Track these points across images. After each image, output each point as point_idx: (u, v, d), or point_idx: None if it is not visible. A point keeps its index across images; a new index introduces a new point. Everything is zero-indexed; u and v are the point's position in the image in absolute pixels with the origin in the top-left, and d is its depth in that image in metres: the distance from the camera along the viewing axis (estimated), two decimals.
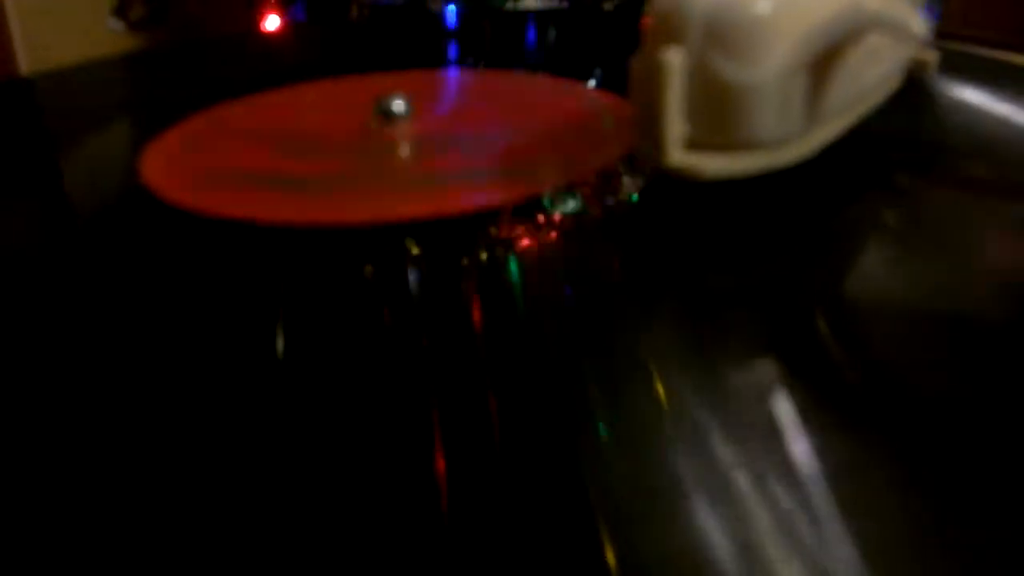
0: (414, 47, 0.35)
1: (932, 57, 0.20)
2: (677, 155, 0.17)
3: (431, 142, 0.22)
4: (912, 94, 0.21)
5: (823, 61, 0.17)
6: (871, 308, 0.14)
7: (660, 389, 0.12)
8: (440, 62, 0.31)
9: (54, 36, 0.53)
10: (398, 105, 0.22)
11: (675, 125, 0.16)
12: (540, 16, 0.44)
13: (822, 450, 0.11)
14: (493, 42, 0.37)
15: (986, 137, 0.22)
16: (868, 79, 0.19)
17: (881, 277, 0.15)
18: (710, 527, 0.10)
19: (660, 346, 0.14)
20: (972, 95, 0.24)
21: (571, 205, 0.18)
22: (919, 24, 0.16)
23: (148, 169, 0.21)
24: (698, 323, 0.14)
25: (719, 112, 0.16)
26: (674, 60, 0.16)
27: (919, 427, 0.11)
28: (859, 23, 0.16)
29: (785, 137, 0.17)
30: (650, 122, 0.17)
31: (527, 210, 0.18)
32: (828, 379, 0.12)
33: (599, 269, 0.16)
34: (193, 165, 0.21)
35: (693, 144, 0.17)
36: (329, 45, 0.39)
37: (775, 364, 0.13)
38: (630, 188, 0.19)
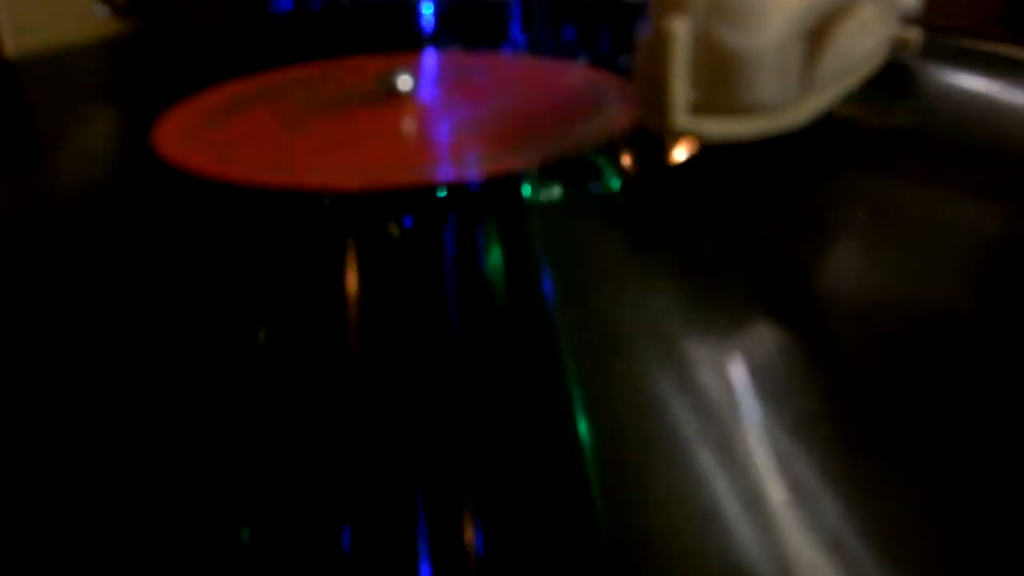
0: (399, 32, 0.36)
1: (915, 36, 0.22)
2: (682, 119, 0.18)
3: (440, 116, 0.23)
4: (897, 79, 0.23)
5: (817, 31, 0.18)
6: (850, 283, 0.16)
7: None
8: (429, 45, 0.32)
9: (40, 20, 0.53)
10: (404, 81, 0.23)
11: (680, 90, 0.17)
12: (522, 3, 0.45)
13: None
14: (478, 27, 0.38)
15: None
16: (856, 52, 0.20)
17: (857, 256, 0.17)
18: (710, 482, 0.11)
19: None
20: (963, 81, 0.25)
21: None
22: None
23: (161, 139, 0.21)
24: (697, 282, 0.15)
25: (721, 77, 0.17)
26: (679, 28, 0.17)
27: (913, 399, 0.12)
28: None
29: (782, 102, 0.18)
30: (655, 89, 0.18)
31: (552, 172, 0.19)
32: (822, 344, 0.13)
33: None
34: (205, 137, 0.22)
35: (696, 109, 0.18)
36: (319, 30, 0.40)
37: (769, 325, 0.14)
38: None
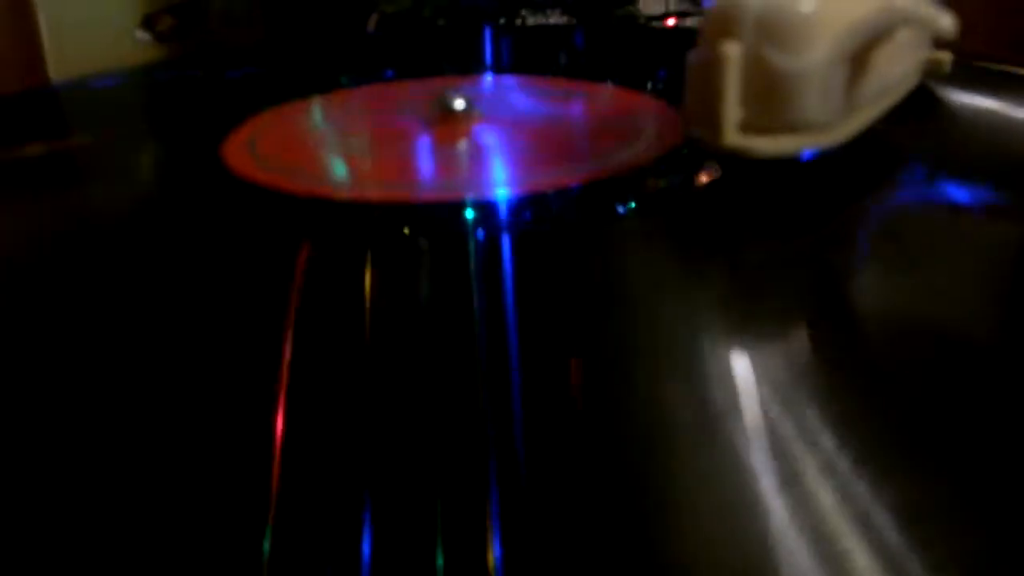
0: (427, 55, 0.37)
1: (947, 57, 0.23)
2: (733, 137, 0.19)
3: (494, 134, 0.24)
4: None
5: (858, 54, 0.19)
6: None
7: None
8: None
9: (83, 47, 0.55)
10: (459, 102, 0.24)
11: (731, 110, 0.19)
12: (548, 30, 0.47)
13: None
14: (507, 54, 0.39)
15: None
16: (893, 74, 0.21)
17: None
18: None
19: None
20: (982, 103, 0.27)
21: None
22: (947, 20, 0.18)
23: (229, 153, 0.23)
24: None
25: (770, 98, 0.19)
26: (732, 52, 0.18)
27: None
28: (892, 20, 0.19)
29: (826, 121, 0.19)
30: (707, 108, 0.19)
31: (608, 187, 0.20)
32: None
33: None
34: (269, 151, 0.23)
35: (746, 127, 0.19)
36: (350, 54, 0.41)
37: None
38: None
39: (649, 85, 0.28)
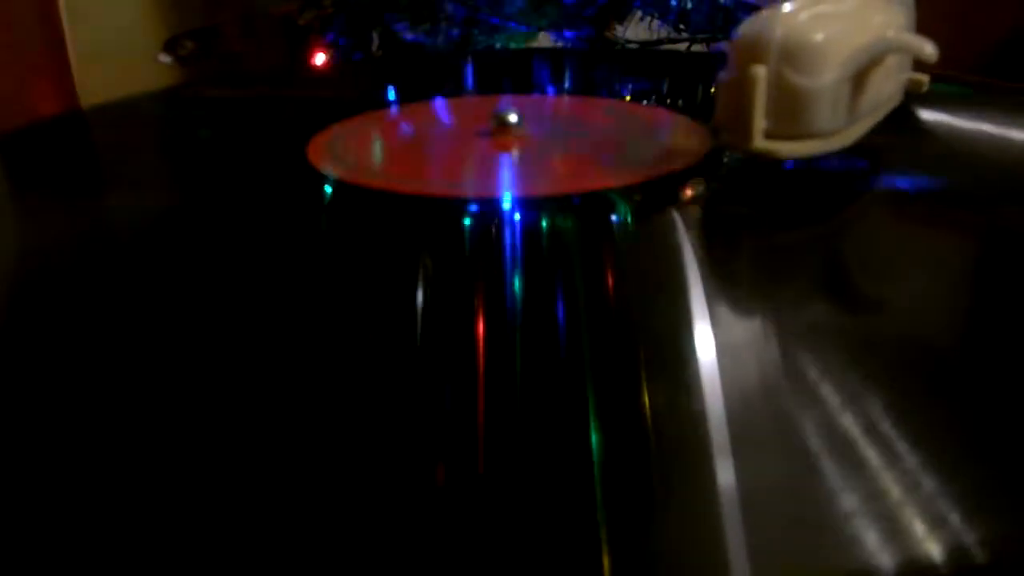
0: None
1: (926, 78, 0.27)
2: (760, 141, 0.23)
3: (546, 144, 0.28)
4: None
5: (859, 75, 0.24)
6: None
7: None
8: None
9: (108, 72, 0.58)
10: (512, 116, 0.28)
11: (759, 119, 0.23)
12: (556, 54, 0.51)
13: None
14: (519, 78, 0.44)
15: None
16: (884, 91, 0.25)
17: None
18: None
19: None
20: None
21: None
22: (930, 48, 0.23)
23: (313, 155, 0.27)
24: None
25: (790, 110, 0.23)
26: (760, 73, 0.22)
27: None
28: (886, 47, 0.23)
29: (834, 129, 0.24)
30: (737, 118, 0.23)
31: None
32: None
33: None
34: (348, 155, 0.27)
35: (770, 134, 0.23)
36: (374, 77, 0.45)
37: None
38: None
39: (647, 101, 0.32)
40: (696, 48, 0.54)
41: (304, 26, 0.53)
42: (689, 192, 0.24)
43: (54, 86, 0.56)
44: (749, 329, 0.17)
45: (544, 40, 0.57)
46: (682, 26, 0.55)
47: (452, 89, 0.36)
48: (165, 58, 0.59)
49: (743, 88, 0.23)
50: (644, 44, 0.55)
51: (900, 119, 0.28)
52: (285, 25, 0.56)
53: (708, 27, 0.54)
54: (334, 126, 0.30)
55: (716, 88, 0.24)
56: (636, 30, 0.56)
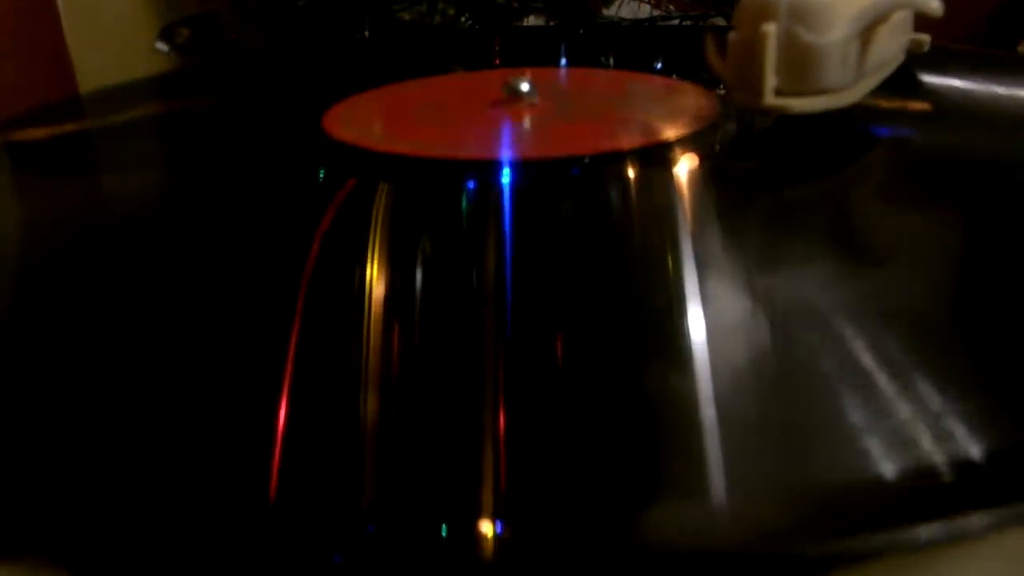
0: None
1: (927, 38, 0.28)
2: (771, 98, 0.24)
3: (555, 111, 0.28)
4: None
5: (866, 32, 0.24)
6: None
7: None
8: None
9: (105, 60, 0.58)
10: (524, 85, 0.29)
11: (770, 77, 0.23)
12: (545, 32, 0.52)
13: None
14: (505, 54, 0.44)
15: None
16: (890, 49, 0.26)
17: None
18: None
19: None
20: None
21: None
22: (936, 3, 0.23)
23: (329, 124, 0.27)
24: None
25: (800, 67, 0.23)
26: (770, 31, 0.23)
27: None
28: (894, 3, 0.24)
29: (843, 86, 0.24)
30: (748, 77, 0.24)
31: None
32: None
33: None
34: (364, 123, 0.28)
35: (780, 91, 0.24)
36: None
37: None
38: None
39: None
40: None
41: (301, 8, 0.54)
42: (699, 152, 0.25)
43: (53, 73, 0.56)
44: (759, 286, 0.18)
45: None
46: (671, 6, 0.55)
47: (457, 64, 0.37)
48: (162, 47, 0.59)
49: (753, 47, 0.23)
50: (635, 23, 0.55)
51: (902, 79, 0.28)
52: (282, 8, 0.56)
53: (697, 4, 0.54)
54: (344, 100, 0.30)
55: (727, 49, 0.25)
56: (625, 12, 0.56)
